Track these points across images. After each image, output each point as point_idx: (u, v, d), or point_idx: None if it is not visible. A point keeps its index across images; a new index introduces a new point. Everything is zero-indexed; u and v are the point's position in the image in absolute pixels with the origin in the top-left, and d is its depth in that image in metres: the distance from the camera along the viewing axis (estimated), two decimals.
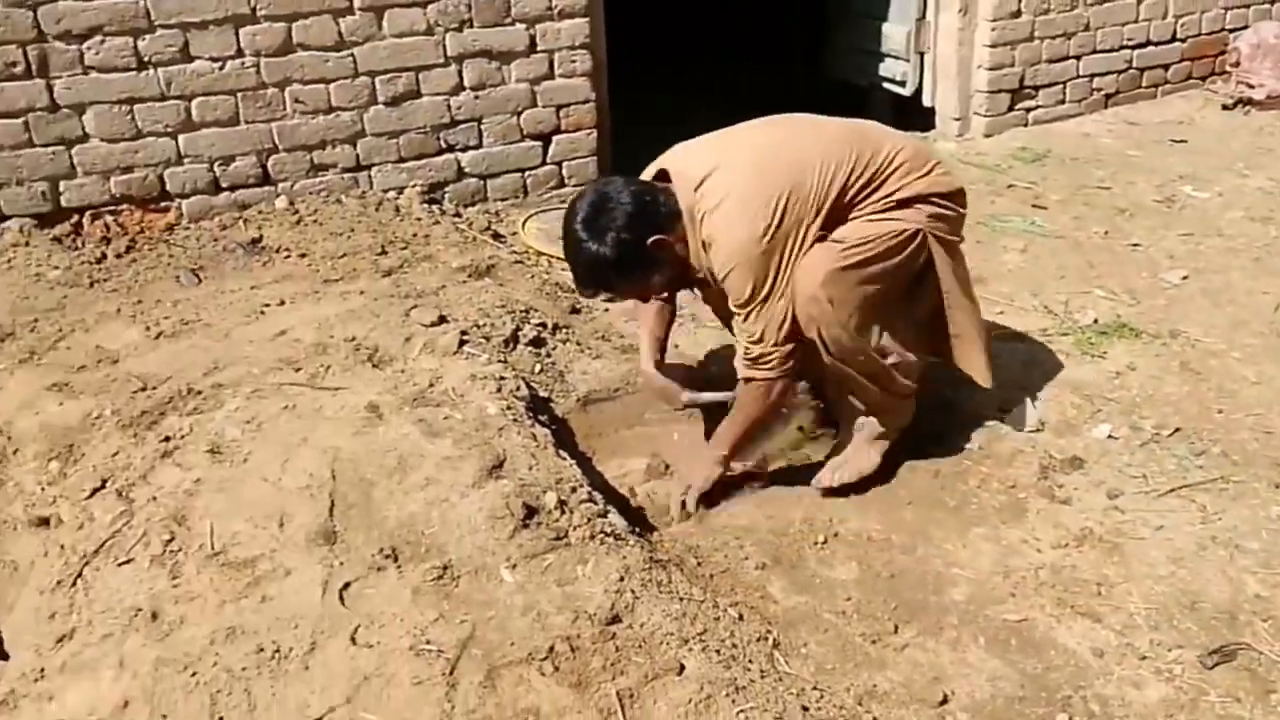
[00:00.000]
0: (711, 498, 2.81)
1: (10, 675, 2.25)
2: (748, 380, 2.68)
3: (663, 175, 2.69)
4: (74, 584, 2.38)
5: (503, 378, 2.97)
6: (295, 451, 2.63)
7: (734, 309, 2.61)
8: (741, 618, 2.31)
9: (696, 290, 2.90)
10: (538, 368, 3.20)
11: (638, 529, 2.59)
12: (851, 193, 2.61)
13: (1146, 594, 2.43)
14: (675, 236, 2.61)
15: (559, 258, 3.96)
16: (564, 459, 2.66)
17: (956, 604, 2.46)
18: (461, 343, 3.12)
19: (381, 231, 4.02)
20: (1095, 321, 3.57)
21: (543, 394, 3.14)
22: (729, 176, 2.58)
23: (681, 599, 2.24)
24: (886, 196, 2.65)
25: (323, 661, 2.05)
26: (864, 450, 2.84)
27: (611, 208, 2.56)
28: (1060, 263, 4.02)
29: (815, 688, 2.15)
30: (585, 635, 2.05)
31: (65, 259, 3.77)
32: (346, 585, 2.23)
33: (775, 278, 2.54)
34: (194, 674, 2.05)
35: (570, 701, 1.92)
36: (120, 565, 2.38)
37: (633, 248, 2.56)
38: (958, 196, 2.76)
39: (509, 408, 2.82)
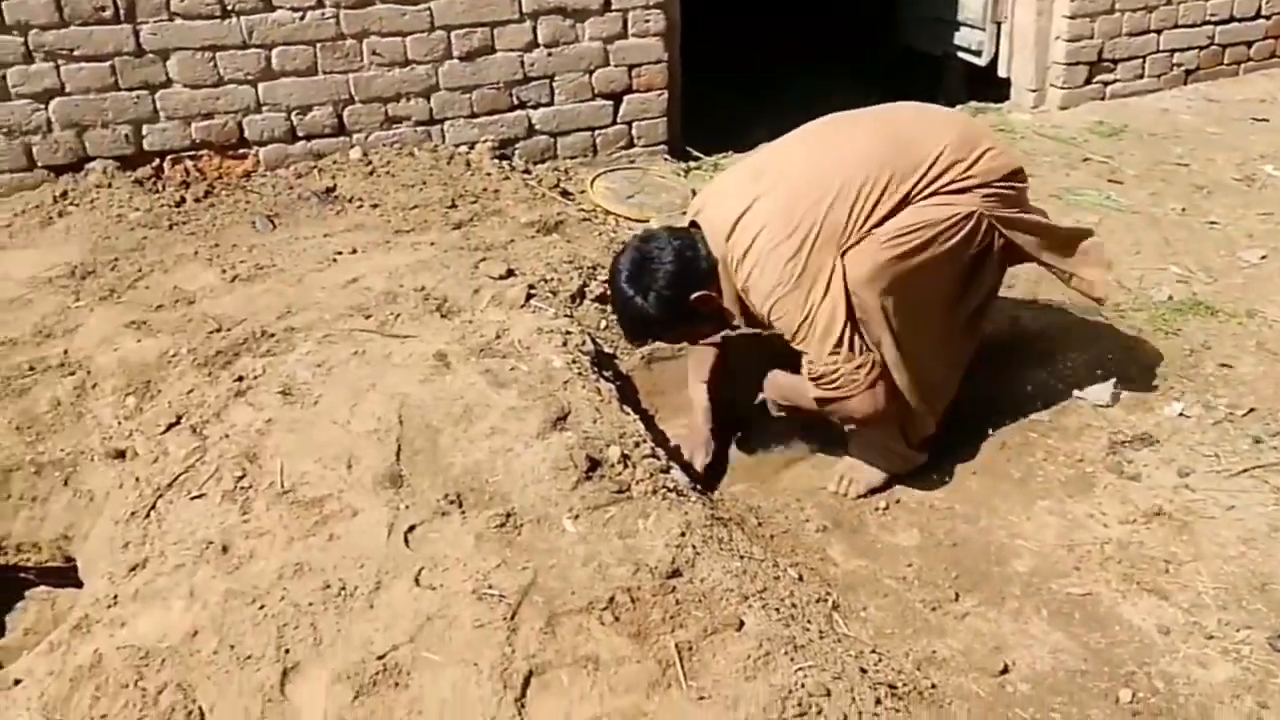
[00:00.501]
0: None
1: (84, 601, 2.28)
2: (822, 402, 2.51)
3: (694, 224, 2.62)
4: (148, 515, 2.40)
5: (568, 332, 2.94)
6: (364, 396, 2.63)
7: (796, 346, 2.51)
8: (801, 578, 2.27)
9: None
10: (603, 324, 3.16)
11: (699, 486, 2.55)
12: (894, 204, 2.47)
13: (1215, 573, 2.35)
14: (716, 289, 2.55)
15: (627, 217, 3.94)
16: (627, 414, 2.63)
17: (1019, 575, 2.39)
18: (529, 296, 3.10)
19: (452, 185, 4.00)
20: (1170, 298, 3.45)
21: (607, 350, 3.10)
22: (756, 219, 2.47)
23: (742, 557, 2.21)
24: (935, 192, 2.51)
25: (387, 601, 2.04)
26: (872, 472, 2.72)
27: (654, 267, 2.52)
28: (1135, 238, 3.89)
29: (874, 651, 2.11)
30: (645, 587, 2.03)
31: (146, 201, 3.80)
32: (411, 528, 2.23)
33: (815, 306, 2.41)
34: (262, 606, 2.05)
35: (629, 651, 1.89)
36: (193, 499, 2.40)
37: (675, 304, 2.52)
38: (1014, 176, 2.55)
39: (574, 362, 2.79)
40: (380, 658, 1.92)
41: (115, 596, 2.19)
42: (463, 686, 1.86)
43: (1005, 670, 2.12)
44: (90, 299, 3.24)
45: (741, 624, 1.95)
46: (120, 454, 2.70)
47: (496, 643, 1.94)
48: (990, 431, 2.85)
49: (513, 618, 1.99)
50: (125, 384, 2.84)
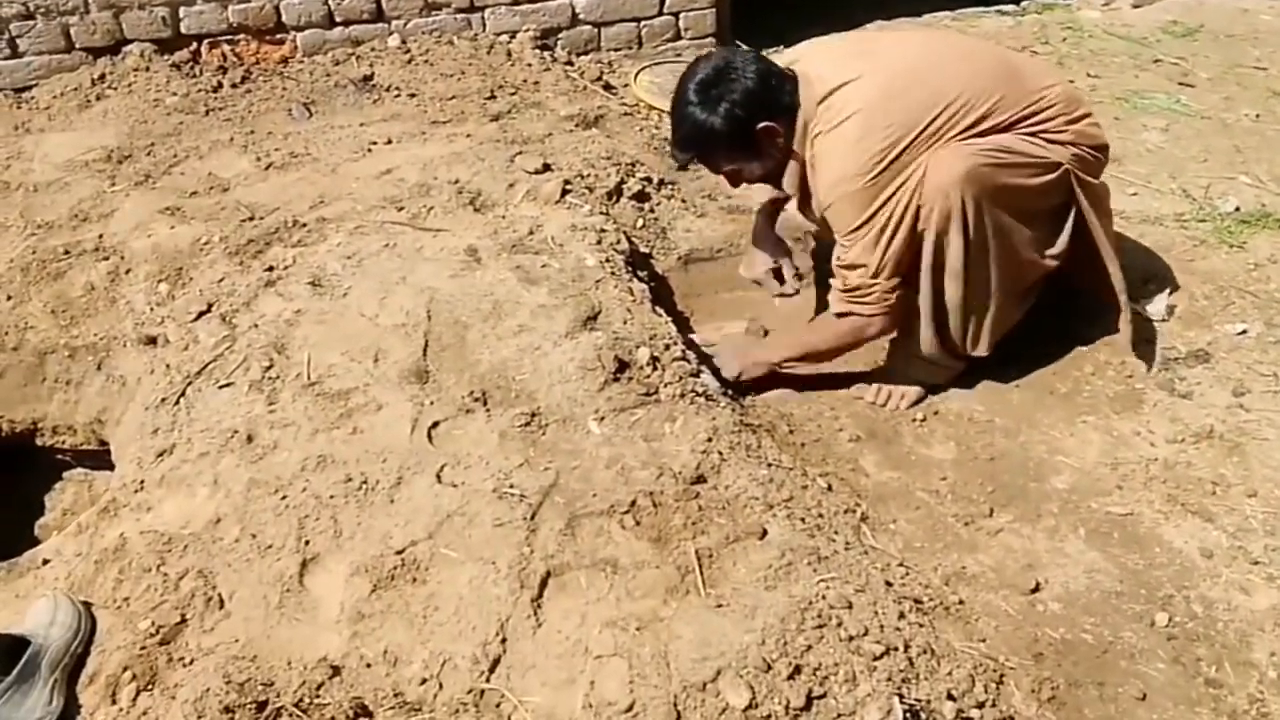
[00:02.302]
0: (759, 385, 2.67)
1: (113, 485, 2.29)
2: (842, 315, 2.46)
3: (792, 75, 2.48)
4: (177, 402, 2.39)
5: (603, 230, 2.85)
6: (393, 289, 2.57)
7: (836, 238, 2.42)
8: (830, 488, 2.21)
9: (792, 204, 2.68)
10: (640, 223, 3.06)
11: (729, 391, 2.48)
12: (994, 125, 2.38)
13: (1265, 497, 2.25)
14: (783, 124, 2.41)
15: (670, 112, 3.78)
16: (659, 316, 2.55)
17: (1058, 492, 2.31)
18: (564, 192, 3.00)
19: (491, 75, 3.88)
20: (1237, 209, 3.27)
21: (643, 249, 3.01)
22: (855, 96, 2.34)
23: (769, 465, 2.14)
24: (1035, 132, 2.41)
25: (408, 496, 2.01)
26: (910, 384, 2.63)
27: (734, 78, 2.37)
28: (1204, 145, 3.68)
29: (901, 564, 2.05)
30: (668, 492, 1.97)
31: (183, 86, 3.73)
32: (435, 424, 2.19)
33: (883, 210, 2.33)
34: (284, 497, 2.04)
35: (649, 556, 1.85)
36: (221, 388, 2.38)
37: (742, 125, 2.37)
38: (1103, 150, 2.53)
39: (607, 260, 2.71)
40: (399, 552, 1.89)
41: (142, 482, 2.19)
42: (480, 584, 1.83)
43: (1037, 588, 2.06)
44: (126, 184, 3.21)
45: (765, 533, 1.90)
46: (152, 340, 2.68)
47: (515, 542, 1.90)
48: (1038, 342, 2.72)
49: (533, 518, 1.95)
50: (158, 270, 2.81)
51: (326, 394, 2.29)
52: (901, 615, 1.82)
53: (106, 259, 2.91)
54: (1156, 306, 2.85)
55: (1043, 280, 2.60)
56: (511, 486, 2.01)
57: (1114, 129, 3.76)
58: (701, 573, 1.82)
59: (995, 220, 2.39)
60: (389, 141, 3.37)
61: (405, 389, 2.28)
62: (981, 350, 2.56)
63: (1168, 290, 2.86)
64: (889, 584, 1.93)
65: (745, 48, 2.50)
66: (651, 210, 3.12)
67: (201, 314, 2.64)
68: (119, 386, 2.68)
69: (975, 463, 2.40)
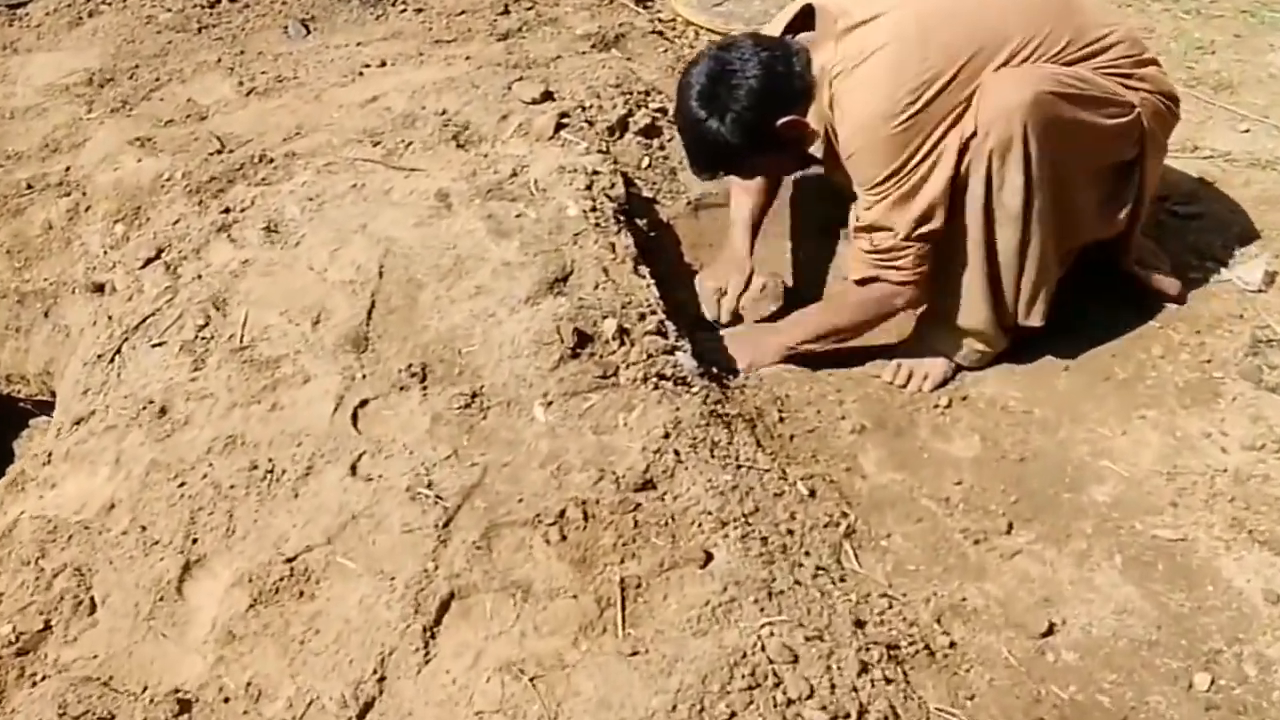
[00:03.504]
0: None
1: (27, 454, 2.14)
2: (867, 281, 2.17)
3: (808, 11, 2.15)
4: (111, 360, 2.24)
5: (596, 172, 2.55)
6: (349, 239, 2.34)
7: (859, 192, 2.09)
8: (813, 494, 1.92)
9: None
10: (645, 162, 2.75)
11: (715, 368, 2.18)
12: (1057, 58, 2.07)
13: None
14: (803, 111, 2.12)
15: (710, 29, 3.43)
16: (641, 277, 2.26)
17: (1096, 506, 1.97)
18: (560, 126, 2.70)
19: None
20: None
21: (647, 193, 2.70)
22: (884, 29, 2.03)
23: (738, 467, 1.86)
24: (1105, 70, 2.10)
25: (314, 490, 1.81)
26: (939, 360, 2.28)
27: (735, 82, 2.10)
28: None
29: (885, 595, 1.76)
30: (605, 502, 1.71)
31: (178, 1, 3.51)
32: (364, 403, 1.97)
33: (914, 161, 2.02)
34: (182, 484, 1.86)
35: (567, 581, 1.60)
36: (154, 346, 2.21)
37: (756, 129, 2.11)
38: (1173, 99, 2.21)
39: (594, 209, 2.42)
40: (289, 560, 1.69)
41: (50, 454, 2.04)
42: (371, 604, 1.62)
43: (1050, 631, 1.74)
44: (103, 110, 3.04)
45: (708, 558, 1.63)
46: (100, 288, 2.54)
47: (422, 554, 1.68)
48: (1101, 311, 2.35)
49: (447, 524, 1.72)
50: (117, 209, 2.65)
51: (254, 361, 2.09)
52: (864, 669, 1.54)
53: (68, 194, 2.77)
54: (1253, 274, 2.43)
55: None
56: (429, 485, 1.78)
57: (1232, 49, 3.28)
58: (623, 608, 1.57)
59: (1059, 160, 2.05)
60: (382, 64, 3.12)
61: (339, 359, 2.06)
62: (1035, 319, 2.21)
63: (1266, 257, 2.43)
64: (859, 624, 1.65)
65: (738, 32, 2.22)
66: (661, 147, 2.80)
67: (150, 260, 2.46)
68: (64, 337, 2.55)
69: (1000, 464, 2.07)
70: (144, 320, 2.29)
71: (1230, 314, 2.35)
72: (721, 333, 2.41)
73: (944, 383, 2.27)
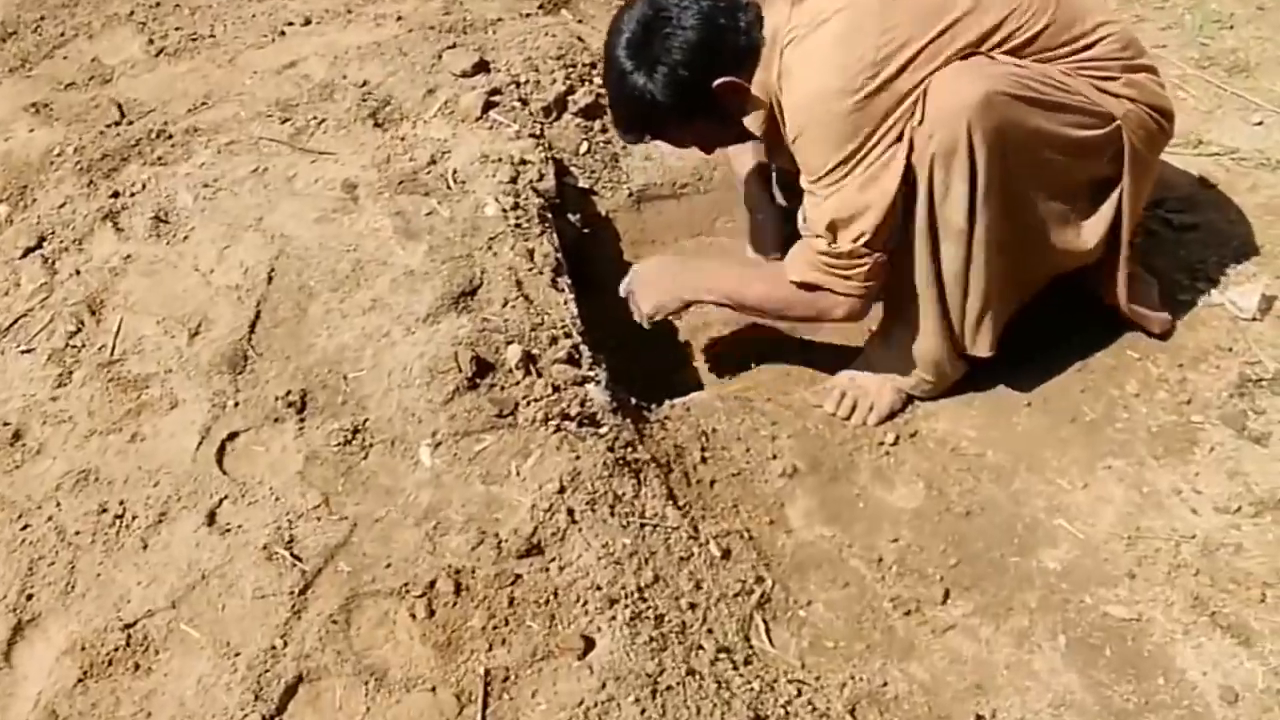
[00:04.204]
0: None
1: None
2: (806, 287, 1.97)
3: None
4: None
5: (524, 161, 2.39)
6: (241, 236, 2.20)
7: (805, 185, 1.91)
8: (727, 555, 1.79)
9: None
10: (584, 146, 2.59)
11: (634, 401, 2.04)
12: (1034, 50, 1.90)
13: None
14: (745, 75, 1.94)
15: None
16: (561, 291, 2.11)
17: (1045, 574, 1.84)
18: (489, 105, 2.53)
19: None
20: None
21: (583, 184, 2.54)
22: None
23: (643, 525, 1.73)
24: (1083, 69, 1.92)
25: (165, 542, 1.69)
26: (886, 388, 2.13)
27: (668, 32, 1.91)
28: None
29: (794, 679, 1.64)
30: (481, 573, 1.59)
31: None
32: (233, 436, 1.84)
33: (871, 147, 1.83)
34: (25, 527, 1.75)
35: (427, 670, 1.49)
36: (23, 353, 2.08)
37: (690, 89, 1.93)
38: (1164, 114, 2.01)
39: (516, 206, 2.27)
40: (128, 626, 1.58)
41: None
42: (210, 684, 1.51)
43: None
44: (1, 69, 2.86)
45: (589, 646, 1.50)
46: None
47: (271, 626, 1.56)
48: (1074, 339, 2.21)
49: (304, 591, 1.60)
50: (2, 187, 2.50)
51: (121, 380, 1.97)
52: None
53: None
54: (1248, 299, 2.26)
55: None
56: (290, 543, 1.66)
57: (1253, 24, 3.08)
58: (485, 707, 1.44)
59: (1013, 174, 1.89)
60: (307, 22, 2.94)
61: (212, 381, 1.93)
62: (981, 349, 2.06)
63: (1269, 276, 2.27)
64: None
65: None
66: (604, 130, 2.63)
67: (30, 250, 2.32)
68: None
69: (944, 518, 1.94)
70: (16, 320, 2.16)
71: (1219, 345, 2.19)
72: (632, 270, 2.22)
73: (892, 415, 2.13)
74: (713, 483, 1.94)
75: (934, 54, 1.84)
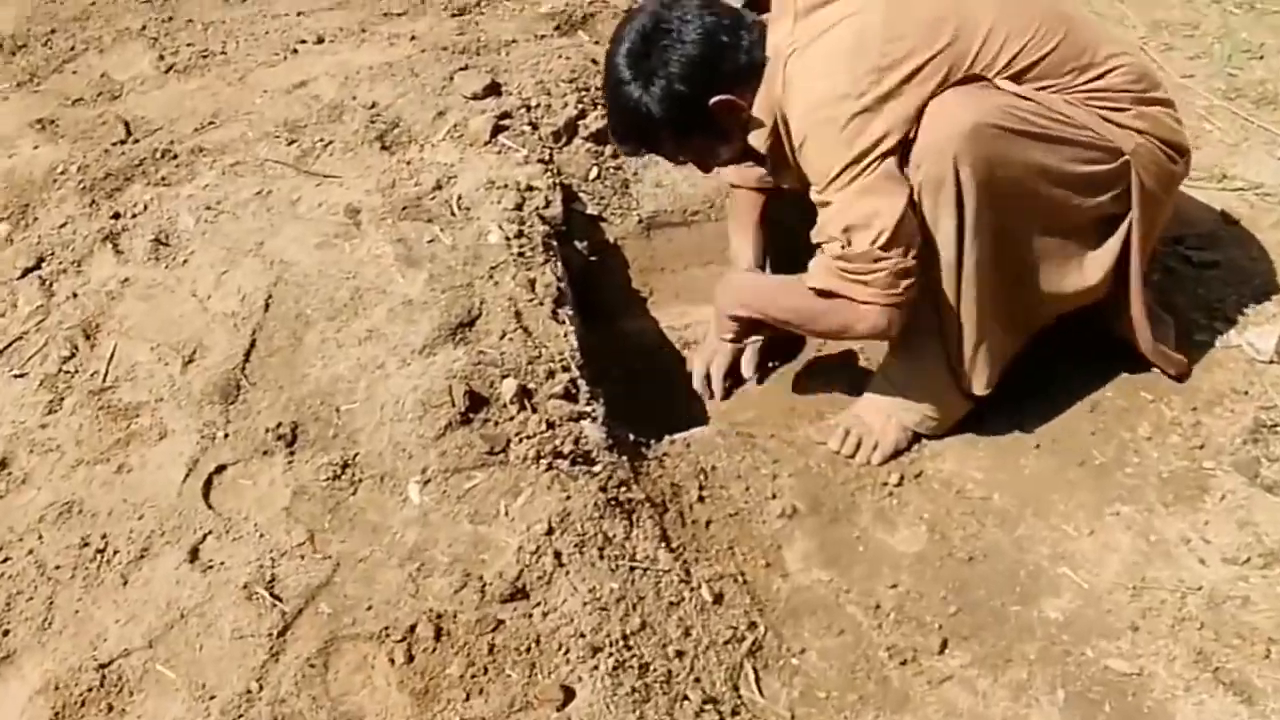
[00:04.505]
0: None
1: None
2: (825, 294, 1.91)
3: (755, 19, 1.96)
4: None
5: (531, 187, 2.37)
6: (240, 261, 2.19)
7: (815, 198, 1.87)
8: (719, 600, 1.75)
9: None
10: (594, 172, 2.56)
11: (632, 437, 2.01)
12: (1039, 74, 1.86)
13: None
14: (748, 98, 1.91)
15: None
16: (561, 323, 2.08)
17: (1046, 624, 1.80)
18: (497, 129, 2.51)
19: None
20: None
21: (592, 210, 2.51)
22: (847, 7, 1.84)
23: (633, 568, 1.70)
24: (1092, 99, 1.87)
25: (146, 578, 1.67)
26: (891, 425, 2.09)
27: (667, 44, 1.88)
28: None
29: None
30: (463, 618, 1.56)
31: None
32: (221, 469, 1.82)
33: (879, 149, 1.80)
34: (5, 560, 1.74)
35: (403, 718, 1.45)
36: (16, 377, 2.08)
37: (687, 105, 1.90)
38: (1179, 148, 1.96)
39: (520, 234, 2.24)
40: (103, 666, 1.56)
41: None
42: None
43: None
44: (9, 83, 2.90)
45: (569, 697, 1.47)
46: None
47: (248, 668, 1.54)
48: (1085, 379, 2.17)
49: (283, 633, 1.58)
50: (4, 205, 2.51)
51: (112, 408, 1.96)
52: None
53: None
54: (1266, 341, 2.21)
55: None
56: (272, 582, 1.63)
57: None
58: None
59: (1005, 209, 1.85)
60: (319, 41, 2.93)
61: (202, 411, 1.91)
62: (978, 386, 2.02)
63: None
64: None
65: None
66: (615, 155, 2.61)
67: (29, 270, 2.32)
68: None
69: (946, 563, 1.90)
70: (11, 344, 2.16)
71: (1234, 389, 2.14)
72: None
73: (897, 453, 2.08)
74: (709, 523, 1.91)
75: (937, 68, 1.81)
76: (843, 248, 1.85)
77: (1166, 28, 3.22)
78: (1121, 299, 2.03)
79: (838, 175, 1.82)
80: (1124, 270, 1.99)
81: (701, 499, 1.95)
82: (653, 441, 2.05)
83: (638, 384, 2.36)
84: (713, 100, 1.89)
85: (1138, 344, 2.05)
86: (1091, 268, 1.94)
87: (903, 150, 1.82)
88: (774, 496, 1.99)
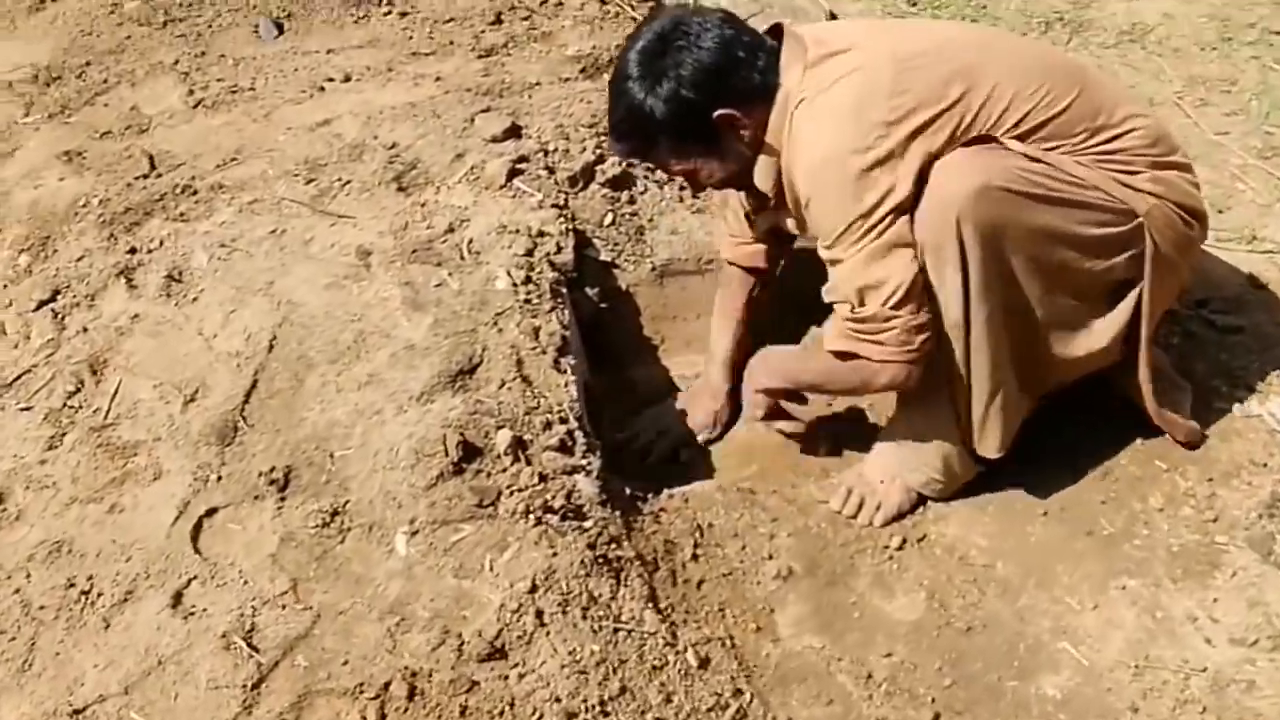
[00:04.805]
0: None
1: None
2: (844, 355, 1.89)
3: (777, 32, 1.93)
4: None
5: (542, 233, 2.36)
6: (248, 301, 2.21)
7: (823, 254, 1.85)
8: (705, 664, 1.72)
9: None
10: (609, 218, 2.55)
11: (629, 491, 1.99)
12: (1052, 134, 1.83)
13: None
14: (753, 118, 1.86)
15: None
16: (563, 372, 2.07)
17: (1043, 701, 1.75)
18: (514, 173, 2.51)
19: None
20: None
21: (606, 255, 2.50)
22: (853, 60, 1.81)
23: (617, 629, 1.67)
24: (1106, 163, 1.84)
25: (127, 622, 1.67)
26: (895, 486, 2.05)
27: (681, 47, 1.84)
28: None
29: None
30: (438, 677, 1.55)
31: None
32: (211, 512, 1.83)
33: (889, 202, 1.77)
34: None
35: None
36: (21, 410, 2.10)
37: (691, 111, 1.85)
38: (1196, 215, 1.92)
39: (528, 280, 2.24)
40: (77, 712, 1.56)
41: None
42: None
43: None
44: (40, 114, 2.95)
45: None
46: None
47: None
48: (1099, 444, 2.12)
49: (257, 685, 1.57)
50: (26, 236, 2.53)
51: (110, 446, 1.97)
52: None
53: None
54: None
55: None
56: (251, 631, 1.63)
57: None
58: None
59: (1014, 269, 1.82)
60: (346, 79, 2.95)
61: (199, 453, 1.92)
62: (989, 449, 1.98)
63: None
64: None
65: (716, 10, 1.92)
66: (631, 201, 2.60)
67: (44, 303, 2.35)
68: None
69: (943, 633, 1.85)
70: (20, 376, 2.18)
71: (1253, 460, 2.08)
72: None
73: (900, 515, 2.05)
74: (701, 583, 1.88)
75: (944, 124, 1.78)
76: (853, 309, 1.83)
77: (1204, 83, 3.16)
78: (1131, 360, 1.98)
79: (846, 230, 1.80)
80: (1136, 333, 1.94)
81: (695, 557, 1.93)
82: (650, 496, 2.03)
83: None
84: (717, 113, 1.85)
85: (1141, 405, 2.00)
86: (1103, 331, 1.91)
87: (911, 206, 1.80)
88: (770, 557, 1.95)
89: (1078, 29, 3.43)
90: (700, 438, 2.29)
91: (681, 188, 2.69)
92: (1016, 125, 1.81)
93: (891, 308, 1.80)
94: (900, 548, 2.00)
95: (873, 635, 1.85)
